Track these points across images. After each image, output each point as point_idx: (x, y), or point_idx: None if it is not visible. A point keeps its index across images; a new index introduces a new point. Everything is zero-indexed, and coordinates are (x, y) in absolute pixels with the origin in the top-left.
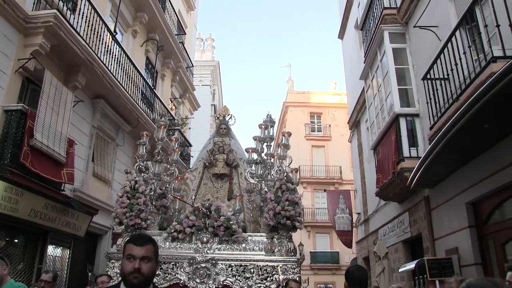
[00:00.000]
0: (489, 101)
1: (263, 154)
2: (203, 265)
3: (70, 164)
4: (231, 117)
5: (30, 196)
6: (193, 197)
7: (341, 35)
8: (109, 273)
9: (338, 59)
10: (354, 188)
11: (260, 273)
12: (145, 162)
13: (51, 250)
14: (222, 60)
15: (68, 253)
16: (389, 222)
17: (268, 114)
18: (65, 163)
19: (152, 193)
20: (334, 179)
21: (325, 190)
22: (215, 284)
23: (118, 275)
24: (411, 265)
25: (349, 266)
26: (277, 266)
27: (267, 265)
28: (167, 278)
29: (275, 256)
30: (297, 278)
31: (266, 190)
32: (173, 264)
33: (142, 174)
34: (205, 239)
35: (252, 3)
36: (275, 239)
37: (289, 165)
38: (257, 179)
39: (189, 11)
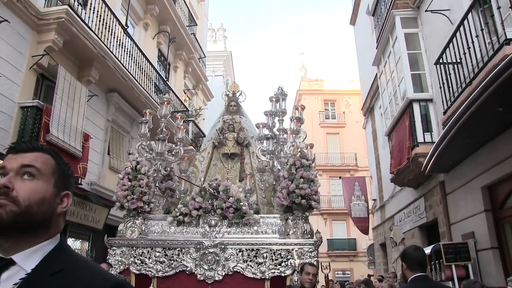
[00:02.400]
0: (502, 84)
1: (274, 129)
2: (211, 250)
3: (85, 158)
4: (241, 94)
5: None
6: (202, 179)
7: (352, 21)
8: (109, 261)
9: (351, 45)
10: (369, 175)
11: (273, 257)
12: (148, 142)
13: (71, 243)
14: (234, 49)
15: (87, 245)
16: (405, 207)
17: (280, 87)
18: (81, 157)
19: (156, 174)
20: (349, 166)
21: (340, 177)
22: (224, 271)
23: (119, 263)
24: (427, 250)
25: (406, 247)
26: (292, 249)
27: (281, 249)
28: (173, 265)
29: (290, 238)
30: (315, 262)
31: (279, 168)
32: (178, 250)
33: (145, 155)
34: (213, 222)
35: None
36: (289, 221)
37: (303, 141)
38: (269, 156)
39: (199, 2)
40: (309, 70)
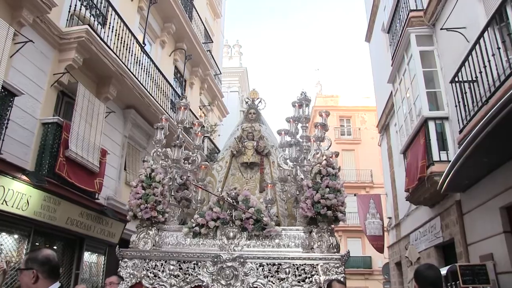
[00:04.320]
0: None
1: (298, 136)
2: (229, 264)
3: (101, 174)
4: (260, 101)
5: (67, 204)
6: (220, 189)
7: (368, 38)
8: (121, 273)
9: (366, 62)
10: (385, 192)
11: (296, 273)
12: (164, 149)
13: (87, 256)
14: (249, 65)
15: (103, 259)
16: (420, 226)
17: (303, 92)
18: (98, 172)
19: (171, 182)
20: (365, 183)
21: (355, 195)
22: (243, 287)
23: (131, 276)
24: (442, 271)
25: (419, 266)
26: (317, 264)
27: (305, 264)
28: (188, 280)
29: (314, 253)
30: (342, 279)
31: (302, 177)
32: (194, 264)
33: (160, 162)
34: (231, 234)
35: (278, 8)
36: (314, 233)
37: (328, 148)
38: (291, 164)
39: (215, 19)
40: (325, 86)
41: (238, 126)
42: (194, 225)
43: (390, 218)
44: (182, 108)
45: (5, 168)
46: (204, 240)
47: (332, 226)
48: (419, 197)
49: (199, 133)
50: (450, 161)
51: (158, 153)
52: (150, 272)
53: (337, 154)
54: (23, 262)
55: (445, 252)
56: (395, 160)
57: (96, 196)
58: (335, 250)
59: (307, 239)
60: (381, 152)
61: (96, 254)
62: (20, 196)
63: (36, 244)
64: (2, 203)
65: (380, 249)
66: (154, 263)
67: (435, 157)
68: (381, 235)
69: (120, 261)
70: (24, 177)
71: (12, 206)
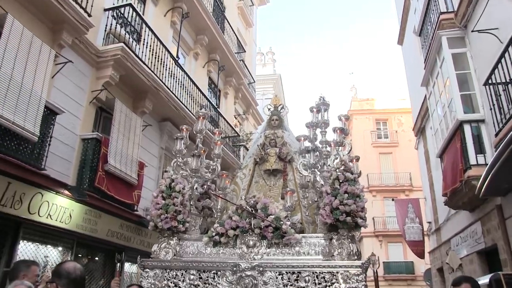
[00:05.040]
0: None
1: (316, 142)
2: (248, 273)
3: (139, 186)
4: (283, 107)
5: (107, 217)
6: (243, 197)
7: (400, 41)
8: (142, 283)
9: (400, 65)
10: (423, 196)
11: (316, 281)
12: (185, 159)
13: (128, 267)
14: (283, 72)
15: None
16: (461, 231)
17: (321, 96)
18: (136, 185)
19: (192, 192)
20: (404, 186)
21: (393, 199)
22: None
23: (152, 286)
24: (485, 280)
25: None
26: (337, 272)
27: (325, 272)
28: None
29: (334, 260)
30: (362, 287)
31: (322, 183)
32: (214, 273)
33: (181, 172)
34: (251, 242)
35: (310, 13)
36: (334, 241)
37: (348, 153)
38: (310, 171)
39: (247, 28)
40: (360, 90)
41: (261, 133)
42: (213, 234)
43: (430, 222)
44: (201, 117)
45: (49, 183)
46: (224, 249)
47: (353, 232)
48: (458, 201)
49: (219, 142)
50: (488, 164)
51: (178, 163)
52: (171, 282)
53: (357, 159)
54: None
55: (488, 259)
56: (432, 163)
57: (135, 208)
58: (356, 257)
59: (327, 246)
60: (418, 156)
61: (136, 265)
62: (64, 210)
63: (79, 255)
64: (47, 217)
65: (421, 255)
66: (174, 273)
67: (472, 160)
68: (421, 240)
69: (142, 271)
70: (66, 192)
71: (56, 220)
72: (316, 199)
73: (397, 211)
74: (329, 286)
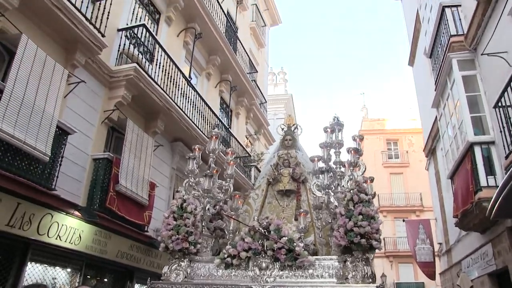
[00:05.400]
0: None
1: (330, 163)
2: None
3: (150, 207)
4: (296, 127)
5: (117, 238)
6: (256, 218)
7: (411, 62)
8: None
9: (411, 85)
10: (434, 217)
11: None
12: (197, 179)
13: None
14: (294, 91)
15: None
16: (472, 253)
17: (335, 116)
18: (147, 205)
19: (203, 212)
20: (414, 206)
21: (404, 220)
22: None
23: None
24: None
25: None
26: None
27: None
28: None
29: (348, 283)
30: None
31: (336, 204)
32: None
33: (193, 192)
34: (264, 264)
35: (321, 33)
36: (348, 263)
37: (362, 174)
38: (323, 192)
39: (259, 49)
40: (370, 110)
41: (275, 154)
42: (226, 256)
43: (440, 243)
44: (214, 137)
45: (59, 204)
46: (236, 271)
47: (367, 255)
48: (469, 223)
49: (231, 162)
50: (498, 186)
51: (190, 183)
52: None
53: (372, 179)
54: None
55: (499, 281)
56: (443, 184)
57: (146, 229)
58: (371, 280)
59: (342, 269)
60: (429, 177)
61: (146, 286)
62: (73, 231)
63: (88, 276)
64: (56, 238)
65: (432, 276)
66: None
67: (483, 182)
68: (432, 261)
69: None
70: (76, 212)
71: (66, 241)
72: (329, 221)
73: (408, 232)
74: None
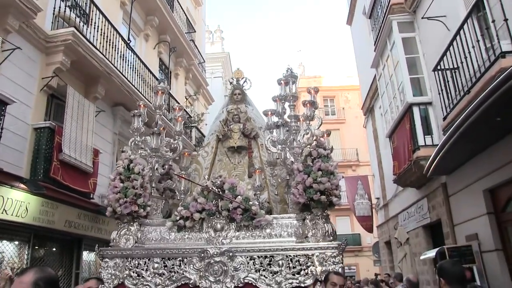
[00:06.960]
0: (499, 98)
1: (285, 116)
2: (217, 259)
3: (95, 174)
4: (245, 81)
5: (64, 208)
6: (206, 177)
7: (349, 21)
8: (101, 275)
9: (348, 43)
10: (371, 172)
11: (291, 265)
12: (143, 138)
13: (86, 255)
14: (232, 51)
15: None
16: (408, 207)
17: (288, 68)
18: (92, 172)
19: (152, 173)
20: (351, 162)
21: (343, 177)
22: (233, 283)
23: (112, 277)
24: (432, 253)
25: (442, 262)
26: (313, 255)
27: (299, 255)
28: (174, 278)
29: (308, 242)
30: (340, 270)
31: (292, 160)
32: (180, 260)
33: (140, 152)
34: (219, 225)
35: None
36: (307, 221)
37: (318, 128)
38: (280, 147)
39: (196, 7)
40: (308, 68)
41: (223, 109)
42: (178, 218)
43: (378, 198)
44: (160, 92)
45: (2, 178)
46: (189, 234)
47: (327, 211)
48: (406, 180)
49: (180, 118)
50: (435, 145)
51: (136, 142)
52: (133, 272)
53: (328, 133)
54: None
55: (432, 232)
56: (381, 142)
57: (91, 196)
58: (332, 238)
59: (301, 227)
60: (366, 134)
61: (94, 253)
62: (19, 204)
63: (36, 247)
64: (2, 213)
65: (369, 229)
66: (137, 262)
67: (421, 141)
68: (370, 215)
69: (101, 261)
70: (22, 185)
71: (12, 215)
72: (287, 177)
73: (347, 188)
74: (304, 269)
